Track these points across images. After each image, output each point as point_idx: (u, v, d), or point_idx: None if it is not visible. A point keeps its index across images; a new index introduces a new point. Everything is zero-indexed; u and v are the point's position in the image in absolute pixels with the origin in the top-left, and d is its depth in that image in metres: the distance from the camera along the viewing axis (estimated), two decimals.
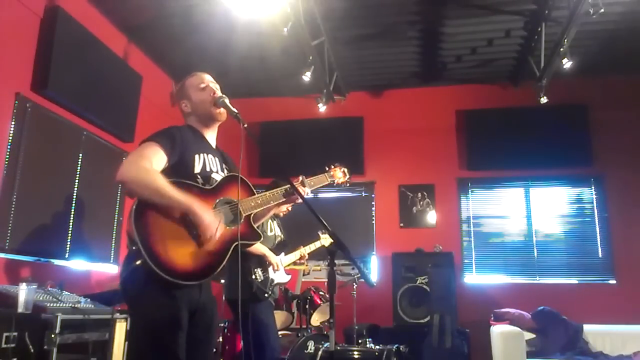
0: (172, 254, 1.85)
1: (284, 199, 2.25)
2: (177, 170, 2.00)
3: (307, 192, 2.34)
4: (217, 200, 2.05)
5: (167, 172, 1.97)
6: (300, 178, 2.38)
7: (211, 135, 2.26)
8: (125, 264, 1.94)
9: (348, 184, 2.68)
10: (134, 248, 1.84)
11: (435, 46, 5.49)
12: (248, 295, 3.42)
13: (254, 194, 2.17)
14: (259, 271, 3.54)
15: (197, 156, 2.08)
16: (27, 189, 3.78)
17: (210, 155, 2.15)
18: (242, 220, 2.07)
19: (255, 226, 2.16)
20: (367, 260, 6.16)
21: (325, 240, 4.21)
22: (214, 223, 1.92)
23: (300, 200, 2.26)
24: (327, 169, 2.61)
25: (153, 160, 1.93)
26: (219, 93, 2.21)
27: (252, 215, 2.16)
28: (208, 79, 2.24)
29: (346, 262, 5.78)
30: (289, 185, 2.24)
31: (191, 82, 2.23)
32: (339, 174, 2.64)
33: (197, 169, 2.07)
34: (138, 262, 1.83)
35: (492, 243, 6.08)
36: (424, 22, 5.05)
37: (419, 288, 5.46)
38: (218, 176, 2.14)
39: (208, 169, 2.11)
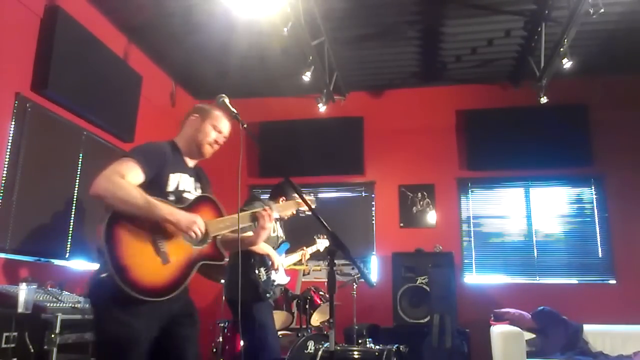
0: (138, 270, 1.88)
1: (250, 224, 2.31)
2: (150, 186, 2.02)
3: (273, 217, 2.35)
4: None
5: (141, 187, 1.99)
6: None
7: (190, 160, 2.30)
8: (93, 275, 1.97)
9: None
10: (101, 260, 1.87)
11: (435, 46, 5.48)
12: (252, 295, 3.42)
13: (223, 216, 2.20)
14: (262, 270, 3.53)
15: (172, 175, 2.13)
16: (27, 189, 3.78)
17: (185, 175, 2.21)
18: (210, 240, 2.11)
19: (219, 248, 2.18)
20: (367, 260, 6.16)
21: (321, 244, 4.22)
22: (195, 222, 1.99)
23: (265, 228, 2.32)
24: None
25: (127, 176, 1.95)
26: (219, 144, 2.27)
27: (220, 237, 2.18)
28: (226, 130, 2.29)
29: (346, 262, 5.80)
30: (256, 210, 2.32)
31: (216, 117, 2.26)
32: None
33: (171, 187, 2.12)
34: (104, 275, 1.87)
35: (492, 243, 6.07)
36: (424, 22, 5.05)
37: (419, 288, 5.45)
38: (190, 195, 2.19)
39: (181, 188, 2.17)
